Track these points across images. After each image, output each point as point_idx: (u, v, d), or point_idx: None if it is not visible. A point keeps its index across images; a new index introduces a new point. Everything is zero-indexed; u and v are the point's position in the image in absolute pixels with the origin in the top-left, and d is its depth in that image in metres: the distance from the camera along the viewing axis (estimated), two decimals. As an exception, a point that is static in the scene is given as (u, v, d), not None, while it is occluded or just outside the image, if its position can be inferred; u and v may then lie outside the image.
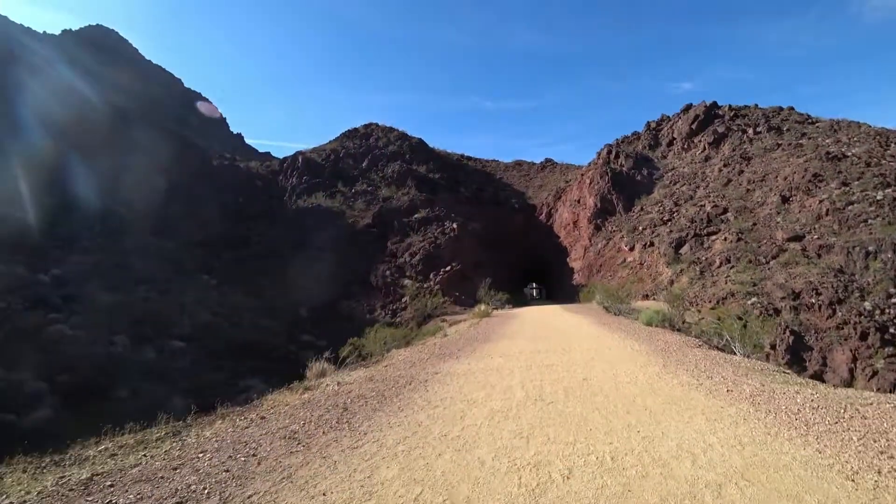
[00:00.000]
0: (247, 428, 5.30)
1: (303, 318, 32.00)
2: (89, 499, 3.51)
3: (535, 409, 5.23)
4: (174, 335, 23.53)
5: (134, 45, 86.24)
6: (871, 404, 4.68)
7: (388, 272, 32.65)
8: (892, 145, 35.19)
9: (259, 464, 4.00)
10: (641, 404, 5.16)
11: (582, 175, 46.30)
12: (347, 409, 5.76)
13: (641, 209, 37.07)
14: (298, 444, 4.50)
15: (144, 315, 23.64)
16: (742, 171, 35.78)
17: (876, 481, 2.96)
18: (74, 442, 5.81)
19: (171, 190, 38.45)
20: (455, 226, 35.44)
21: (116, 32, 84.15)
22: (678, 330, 13.34)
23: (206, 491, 3.49)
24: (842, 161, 31.70)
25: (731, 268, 25.32)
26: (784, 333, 17.66)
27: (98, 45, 76.45)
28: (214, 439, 4.92)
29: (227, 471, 3.87)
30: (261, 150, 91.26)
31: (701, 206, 32.98)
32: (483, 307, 19.13)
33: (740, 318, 11.18)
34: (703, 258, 27.29)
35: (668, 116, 51.42)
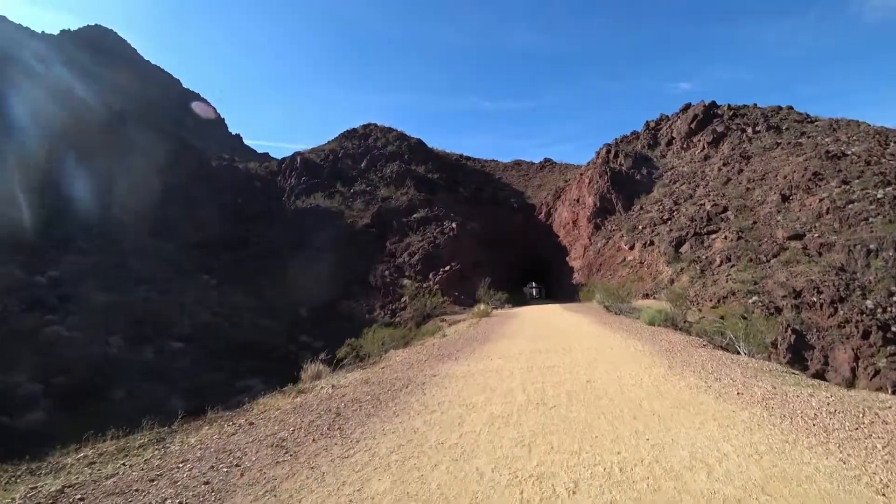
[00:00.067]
0: (233, 434, 5.04)
1: (302, 318, 31.75)
2: (55, 515, 3.25)
3: (536, 413, 4.97)
4: (174, 335, 23.30)
5: (132, 46, 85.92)
6: (891, 408, 4.44)
7: (387, 272, 32.39)
8: (892, 144, 35.03)
9: (242, 475, 3.74)
10: (648, 409, 4.90)
11: (581, 174, 46.10)
12: (340, 415, 5.50)
13: (641, 208, 36.87)
14: (286, 453, 4.24)
15: (144, 315, 23.41)
16: (742, 170, 35.60)
17: (909, 495, 2.71)
18: (59, 447, 5.57)
19: (169, 191, 38.16)
20: (454, 225, 35.19)
21: (115, 33, 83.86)
22: (680, 329, 13.10)
23: (181, 506, 3.24)
24: (842, 160, 31.53)
25: (731, 266, 25.13)
26: (786, 332, 17.44)
27: (96, 45, 76.11)
28: (198, 447, 4.66)
29: (207, 483, 3.61)
30: (259, 151, 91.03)
31: (701, 204, 32.78)
32: (482, 307, 18.82)
33: (744, 318, 10.91)
34: (704, 257, 27.10)
35: (667, 116, 51.24)
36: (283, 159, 57.44)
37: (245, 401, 7.97)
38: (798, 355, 16.66)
